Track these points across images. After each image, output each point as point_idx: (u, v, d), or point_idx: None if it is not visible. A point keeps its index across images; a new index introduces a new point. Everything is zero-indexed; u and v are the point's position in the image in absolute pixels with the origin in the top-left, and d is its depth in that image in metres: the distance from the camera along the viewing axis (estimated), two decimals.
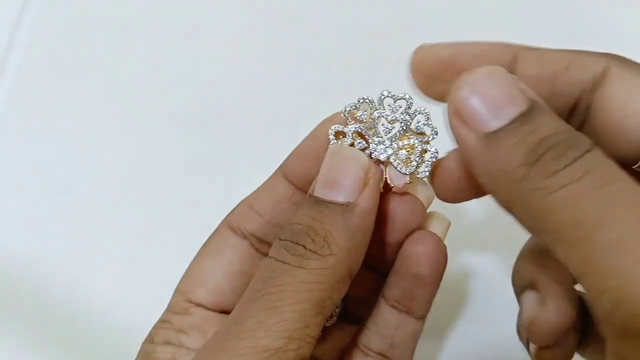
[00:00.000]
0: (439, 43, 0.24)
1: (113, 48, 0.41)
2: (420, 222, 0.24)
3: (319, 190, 0.22)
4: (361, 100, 0.24)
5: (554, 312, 0.26)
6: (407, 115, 0.24)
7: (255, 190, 0.27)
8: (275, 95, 0.40)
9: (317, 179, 0.23)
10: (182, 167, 0.38)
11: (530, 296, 0.27)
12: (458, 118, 0.21)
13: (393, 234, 0.24)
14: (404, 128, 0.24)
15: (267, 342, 0.20)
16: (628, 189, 0.18)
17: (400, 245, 0.24)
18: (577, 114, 0.23)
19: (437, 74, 0.24)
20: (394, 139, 0.24)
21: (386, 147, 0.24)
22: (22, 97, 0.40)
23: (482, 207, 0.35)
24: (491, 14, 0.41)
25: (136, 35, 0.42)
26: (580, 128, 0.23)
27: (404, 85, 0.38)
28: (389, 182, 0.24)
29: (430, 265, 0.24)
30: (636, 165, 0.22)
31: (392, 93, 0.24)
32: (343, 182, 0.22)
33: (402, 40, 0.41)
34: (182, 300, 0.25)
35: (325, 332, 0.25)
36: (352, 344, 0.26)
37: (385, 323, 0.25)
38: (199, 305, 0.25)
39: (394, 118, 0.24)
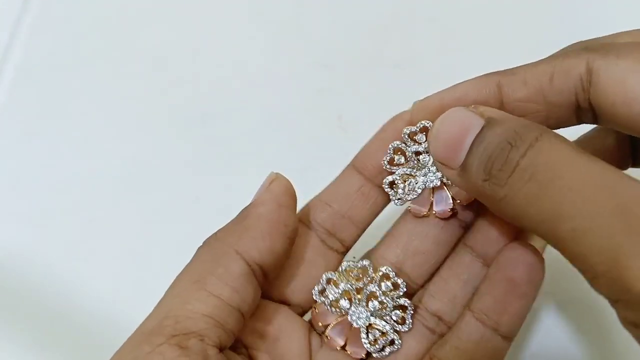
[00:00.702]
0: (429, 96, 0.25)
1: (113, 48, 0.41)
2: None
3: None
4: (392, 147, 0.26)
5: None
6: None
7: (327, 186, 0.27)
8: (275, 95, 0.40)
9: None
10: (182, 166, 0.38)
11: None
12: (441, 164, 0.23)
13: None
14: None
15: (148, 325, 0.22)
16: (576, 177, 0.19)
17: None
18: (584, 112, 0.23)
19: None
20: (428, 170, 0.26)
21: (435, 173, 0.26)
22: (22, 97, 0.40)
23: None
24: (491, 14, 0.41)
25: (136, 35, 0.42)
26: (595, 122, 0.23)
27: (404, 85, 0.38)
28: (456, 199, 0.26)
29: (526, 272, 0.24)
30: None
31: (411, 128, 0.26)
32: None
33: (402, 41, 0.42)
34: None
35: (400, 339, 0.26)
36: (431, 354, 0.26)
37: (468, 337, 0.25)
38: None
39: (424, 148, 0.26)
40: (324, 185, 0.33)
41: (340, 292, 0.25)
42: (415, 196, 0.26)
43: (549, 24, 0.40)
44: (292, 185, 0.25)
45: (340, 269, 0.26)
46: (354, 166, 0.27)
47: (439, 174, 0.25)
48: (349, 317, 0.25)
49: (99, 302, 0.35)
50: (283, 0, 0.42)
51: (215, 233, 0.24)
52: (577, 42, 0.24)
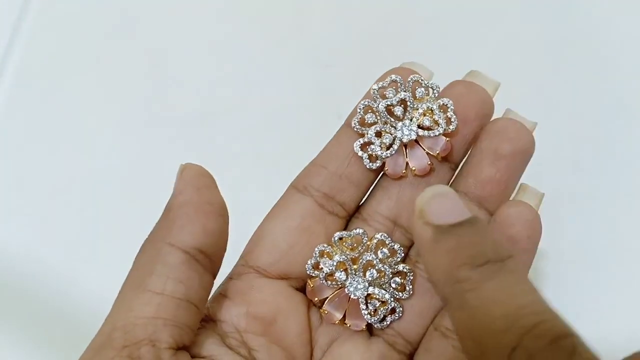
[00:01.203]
0: None
1: (113, 48, 0.41)
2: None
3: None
4: (362, 107, 0.25)
5: None
6: (406, 91, 0.25)
7: (322, 150, 0.26)
8: (275, 95, 0.40)
9: None
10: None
11: None
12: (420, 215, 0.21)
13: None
14: (411, 101, 0.25)
15: (98, 340, 0.21)
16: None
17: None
18: None
19: None
20: (410, 116, 0.25)
21: (408, 127, 0.25)
22: (22, 97, 0.40)
23: None
24: (491, 15, 0.41)
25: (136, 35, 0.42)
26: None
27: None
28: (432, 153, 0.25)
29: (526, 228, 0.24)
30: None
31: (380, 83, 0.25)
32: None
33: (402, 41, 0.42)
34: (240, 263, 0.25)
35: (401, 307, 0.25)
36: (434, 325, 0.25)
37: None
38: (253, 267, 0.25)
39: (399, 98, 0.25)
40: None
41: (335, 263, 0.24)
42: (392, 153, 0.25)
43: (549, 24, 0.40)
44: (204, 168, 0.24)
45: (333, 240, 0.25)
46: (349, 125, 0.26)
47: (414, 127, 0.25)
48: (346, 289, 0.25)
49: (99, 302, 0.34)
50: (284, 0, 0.42)
51: (145, 240, 0.23)
52: None
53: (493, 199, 0.25)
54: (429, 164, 0.25)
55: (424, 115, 0.25)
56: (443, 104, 0.25)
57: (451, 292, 0.19)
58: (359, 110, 0.25)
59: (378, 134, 0.25)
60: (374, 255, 0.25)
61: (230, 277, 0.25)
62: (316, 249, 0.25)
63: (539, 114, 0.39)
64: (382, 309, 0.25)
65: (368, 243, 0.25)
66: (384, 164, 0.25)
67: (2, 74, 0.41)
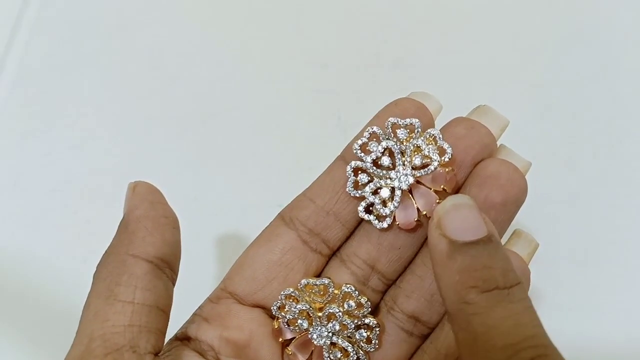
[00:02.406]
0: None
1: (112, 48, 0.41)
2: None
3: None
4: (368, 132, 0.24)
5: None
6: (416, 139, 0.24)
7: (314, 181, 0.25)
8: (274, 95, 0.40)
9: None
10: (181, 165, 0.38)
11: None
12: (438, 225, 0.21)
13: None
14: (398, 148, 0.23)
15: (75, 353, 0.21)
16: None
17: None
18: None
19: None
20: (400, 162, 0.23)
21: (403, 173, 0.23)
22: (21, 97, 0.40)
23: None
24: (491, 15, 0.41)
25: (135, 35, 0.42)
26: None
27: (403, 85, 0.38)
28: (421, 210, 0.23)
29: (508, 187, 0.23)
30: None
31: (398, 120, 0.24)
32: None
33: (401, 41, 0.42)
34: (220, 287, 0.25)
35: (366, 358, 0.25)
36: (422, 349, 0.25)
37: (452, 341, 0.24)
38: (232, 293, 0.25)
39: (384, 147, 0.23)
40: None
41: (297, 311, 0.24)
42: (396, 205, 0.23)
43: (549, 24, 0.40)
44: (153, 185, 0.25)
45: (299, 285, 0.24)
46: (343, 158, 0.25)
47: (408, 170, 0.23)
48: (309, 335, 0.24)
49: None
50: (283, 0, 0.42)
51: (106, 252, 0.24)
52: None
53: None
54: (415, 220, 0.23)
55: (414, 154, 0.23)
56: (429, 135, 0.23)
57: (457, 311, 0.19)
58: (348, 174, 0.24)
59: (375, 192, 0.24)
60: (338, 308, 0.24)
61: (209, 300, 0.25)
62: (282, 293, 0.24)
63: (539, 112, 0.39)
64: (344, 359, 0.24)
65: (335, 292, 0.24)
66: (362, 197, 0.24)
67: (2, 74, 0.41)
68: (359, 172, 0.24)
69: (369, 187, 0.24)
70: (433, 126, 0.24)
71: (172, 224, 0.24)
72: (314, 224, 0.24)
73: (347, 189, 0.24)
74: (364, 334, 0.24)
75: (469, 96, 0.33)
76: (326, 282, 0.24)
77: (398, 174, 0.23)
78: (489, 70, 0.40)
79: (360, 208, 0.24)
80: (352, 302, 0.24)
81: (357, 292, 0.24)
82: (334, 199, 0.24)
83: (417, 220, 0.23)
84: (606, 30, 0.40)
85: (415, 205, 0.23)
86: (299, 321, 0.24)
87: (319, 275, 0.25)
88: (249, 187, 0.34)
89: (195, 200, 0.37)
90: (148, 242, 0.23)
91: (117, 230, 0.24)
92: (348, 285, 0.24)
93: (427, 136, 0.23)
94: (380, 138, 0.23)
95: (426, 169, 0.23)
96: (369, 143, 0.24)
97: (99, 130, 0.39)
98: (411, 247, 0.24)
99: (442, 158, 0.23)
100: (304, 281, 0.24)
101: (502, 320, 0.19)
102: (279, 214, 0.25)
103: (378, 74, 0.39)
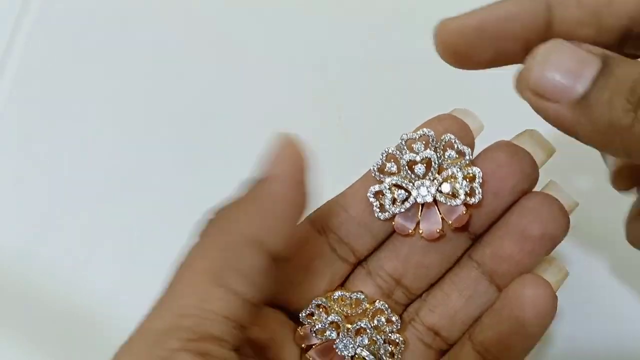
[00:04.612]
0: (462, 15, 0.22)
1: (112, 48, 0.41)
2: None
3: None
4: (384, 154, 0.24)
5: None
6: (435, 149, 0.23)
7: (347, 187, 0.25)
8: (274, 94, 0.40)
9: None
10: (182, 166, 0.38)
11: None
12: (540, 96, 0.20)
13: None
14: (437, 162, 0.23)
15: (158, 323, 0.19)
16: None
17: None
18: (630, 45, 0.22)
19: (468, 45, 0.22)
20: (431, 177, 0.23)
21: (428, 188, 0.23)
22: (21, 97, 0.40)
23: None
24: None
25: (135, 35, 0.42)
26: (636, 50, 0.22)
27: (403, 85, 0.38)
28: (446, 220, 0.23)
29: (536, 313, 0.22)
30: None
31: (410, 134, 0.23)
32: (267, 160, 0.21)
33: (402, 41, 0.42)
34: None
35: None
36: None
37: None
38: None
39: (424, 156, 0.23)
40: (323, 185, 0.33)
41: (328, 323, 0.24)
42: (401, 210, 0.24)
43: None
44: (304, 150, 0.21)
45: (333, 296, 0.24)
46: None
47: (433, 189, 0.23)
48: (334, 346, 0.24)
49: (98, 303, 0.35)
50: (283, 0, 0.42)
51: (223, 211, 0.21)
52: None
53: (507, 277, 0.23)
54: (439, 231, 0.23)
55: (446, 180, 0.23)
56: (471, 174, 0.23)
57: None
58: (381, 156, 0.24)
59: (395, 186, 0.24)
60: (369, 323, 0.24)
61: None
62: (313, 302, 0.24)
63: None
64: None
65: (367, 307, 0.24)
66: (394, 216, 0.24)
67: (2, 74, 0.41)
68: (391, 159, 0.23)
69: (390, 179, 0.23)
70: (473, 146, 0.24)
71: (301, 215, 0.21)
72: (345, 233, 0.24)
73: (371, 168, 0.24)
74: (388, 348, 0.24)
75: (472, 96, 0.33)
76: (361, 297, 0.24)
77: (422, 186, 0.23)
78: (491, 70, 0.40)
79: (372, 190, 0.24)
80: (383, 319, 0.24)
81: (389, 310, 0.24)
82: (367, 210, 0.24)
83: (441, 231, 0.23)
84: None
85: (439, 216, 0.23)
86: (328, 332, 0.24)
87: (343, 283, 0.25)
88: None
89: (196, 201, 0.37)
90: (275, 234, 0.20)
91: (246, 190, 0.21)
92: (381, 302, 0.24)
93: (469, 173, 0.23)
94: (430, 144, 0.23)
95: (449, 200, 0.23)
96: (417, 141, 0.23)
97: (100, 130, 0.39)
98: (439, 266, 0.24)
99: (470, 199, 0.23)
100: (338, 293, 0.24)
101: None
102: (308, 218, 0.24)
103: (379, 74, 0.40)
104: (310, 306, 0.24)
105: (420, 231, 0.24)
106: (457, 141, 0.23)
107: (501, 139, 0.24)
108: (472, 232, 0.24)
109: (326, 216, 0.24)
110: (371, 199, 0.24)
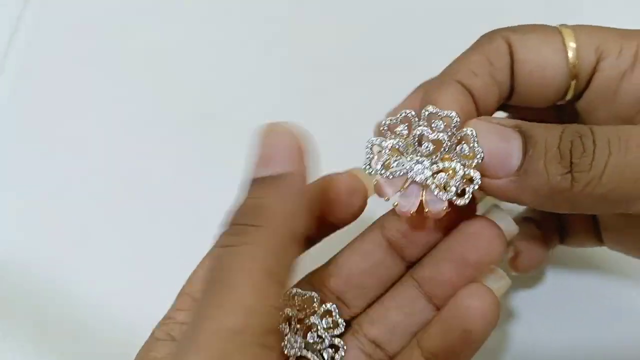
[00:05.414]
0: (399, 105, 0.28)
1: (112, 49, 0.41)
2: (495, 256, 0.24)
3: (255, 170, 0.22)
4: (403, 114, 0.23)
5: None
6: (453, 136, 0.22)
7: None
8: (273, 95, 0.40)
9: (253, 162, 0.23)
10: (181, 167, 0.38)
11: None
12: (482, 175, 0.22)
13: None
14: (447, 149, 0.22)
15: (229, 323, 0.20)
16: None
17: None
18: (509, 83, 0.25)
19: None
20: (434, 160, 0.22)
21: (425, 168, 0.22)
22: (21, 97, 0.40)
23: None
24: (491, 15, 0.41)
25: (135, 35, 0.42)
26: (510, 95, 0.25)
27: (402, 85, 0.38)
28: (424, 205, 0.23)
29: (483, 323, 0.23)
30: (565, 100, 0.25)
31: (437, 110, 0.22)
32: (274, 156, 0.22)
33: (401, 41, 0.42)
34: (189, 299, 0.25)
35: None
36: None
37: None
38: None
39: (436, 137, 0.22)
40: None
41: (388, 150, 0.23)
42: (389, 175, 0.23)
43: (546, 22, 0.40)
44: (299, 137, 0.23)
45: (288, 293, 0.25)
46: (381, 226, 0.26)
47: (428, 172, 0.22)
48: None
49: (98, 303, 0.35)
50: (282, 1, 0.42)
51: (254, 215, 0.22)
52: (483, 35, 0.25)
53: (445, 299, 0.24)
54: (445, 209, 0.23)
55: (445, 171, 0.22)
56: (470, 176, 0.22)
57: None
58: (399, 114, 0.23)
59: (395, 151, 0.23)
60: (319, 321, 0.25)
61: (179, 309, 0.25)
62: (368, 143, 0.24)
63: None
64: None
65: (316, 309, 0.25)
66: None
67: (2, 74, 0.41)
68: (406, 122, 0.23)
69: (394, 141, 0.23)
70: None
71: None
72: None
73: (382, 122, 0.23)
74: (331, 352, 0.25)
75: None
76: (314, 295, 0.25)
77: (419, 164, 0.23)
78: None
79: (370, 143, 0.23)
80: (330, 320, 0.25)
81: (337, 312, 0.25)
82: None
83: (447, 209, 0.23)
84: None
85: (419, 199, 0.23)
86: (282, 326, 0.25)
87: None
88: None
89: (195, 201, 0.37)
90: (306, 222, 0.22)
91: (270, 191, 0.22)
92: (331, 304, 0.25)
93: (468, 170, 0.22)
94: (443, 125, 0.22)
95: (438, 191, 0.22)
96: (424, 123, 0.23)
97: (100, 131, 0.39)
98: (377, 289, 0.26)
99: (458, 200, 0.22)
100: (293, 290, 0.25)
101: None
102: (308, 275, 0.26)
103: (378, 74, 0.39)
104: None
105: (426, 210, 0.23)
106: (476, 141, 0.22)
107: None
108: (408, 261, 0.26)
109: (321, 276, 0.26)
110: (367, 149, 0.23)
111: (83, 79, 0.40)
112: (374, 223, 0.26)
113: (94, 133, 0.39)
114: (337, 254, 0.26)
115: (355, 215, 0.26)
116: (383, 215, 0.26)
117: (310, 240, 0.26)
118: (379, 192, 0.23)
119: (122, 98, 0.40)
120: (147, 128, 0.39)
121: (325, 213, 0.25)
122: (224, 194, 0.36)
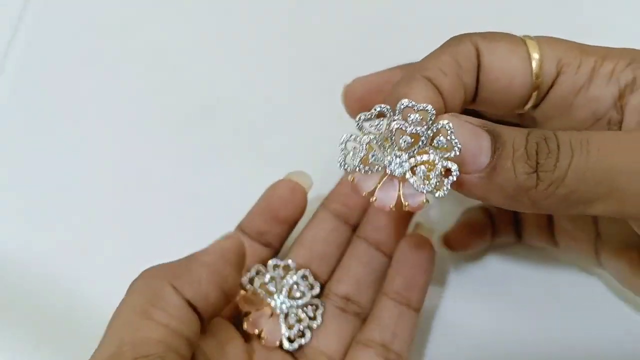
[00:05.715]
0: (371, 74, 0.29)
1: (112, 48, 0.41)
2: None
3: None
4: (377, 109, 0.22)
5: None
6: (429, 129, 0.22)
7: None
8: (274, 95, 0.40)
9: None
10: (182, 164, 0.38)
11: None
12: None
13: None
14: (424, 142, 0.22)
15: (105, 353, 0.24)
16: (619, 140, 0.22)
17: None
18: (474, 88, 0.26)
19: (368, 99, 0.29)
20: (412, 154, 0.22)
21: (402, 162, 0.22)
22: (22, 97, 0.40)
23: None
24: (491, 15, 0.41)
25: (135, 35, 0.42)
26: (475, 98, 0.26)
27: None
28: (402, 200, 0.22)
29: (425, 254, 0.30)
30: (525, 109, 0.26)
31: (413, 103, 0.22)
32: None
33: (402, 41, 0.42)
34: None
35: (329, 327, 0.30)
36: (356, 340, 0.30)
37: (388, 314, 0.29)
38: None
39: (413, 131, 0.22)
40: (323, 185, 0.33)
41: (268, 278, 0.30)
42: (368, 171, 0.22)
43: (549, 24, 0.40)
44: (244, 248, 0.28)
45: (268, 264, 0.30)
46: (326, 205, 0.32)
47: (406, 166, 0.22)
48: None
49: (98, 303, 0.35)
50: (282, 0, 0.42)
51: (151, 268, 0.26)
52: (453, 37, 0.26)
53: (387, 243, 0.31)
54: (424, 202, 0.22)
55: (423, 164, 0.22)
56: (448, 167, 0.22)
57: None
58: (374, 110, 0.22)
59: (371, 146, 0.22)
60: (299, 280, 0.30)
61: None
62: (253, 268, 0.30)
63: None
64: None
65: (293, 273, 0.30)
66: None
67: (2, 74, 0.41)
68: (382, 116, 0.23)
69: (373, 137, 0.22)
70: None
71: (226, 290, 0.26)
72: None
73: (357, 118, 0.23)
74: (311, 310, 0.30)
75: None
76: (291, 263, 0.30)
77: (397, 157, 0.22)
78: None
79: (344, 139, 0.23)
80: (307, 282, 0.30)
81: (312, 276, 0.31)
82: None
83: (393, 208, 0.23)
84: (606, 29, 0.40)
85: (397, 193, 0.23)
86: (269, 285, 0.30)
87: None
88: (249, 186, 0.34)
89: (196, 200, 0.37)
90: (192, 287, 0.25)
91: (182, 259, 0.26)
92: (306, 269, 0.31)
93: (446, 163, 0.22)
94: (419, 119, 0.22)
95: (420, 185, 0.22)
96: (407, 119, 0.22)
97: (101, 129, 0.39)
98: (336, 254, 0.32)
99: (436, 192, 0.22)
100: (271, 262, 0.30)
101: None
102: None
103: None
104: (250, 272, 0.30)
105: (406, 204, 0.23)
106: (453, 133, 0.22)
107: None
108: (351, 225, 0.32)
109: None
110: (341, 145, 0.23)
111: (83, 78, 0.40)
112: (320, 205, 0.32)
113: (94, 133, 0.39)
114: (299, 234, 0.32)
115: (301, 211, 0.31)
116: (325, 197, 0.32)
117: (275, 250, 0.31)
118: (356, 189, 0.23)
119: (122, 97, 0.40)
120: (147, 128, 0.39)
121: (277, 215, 0.30)
122: (225, 193, 0.37)
